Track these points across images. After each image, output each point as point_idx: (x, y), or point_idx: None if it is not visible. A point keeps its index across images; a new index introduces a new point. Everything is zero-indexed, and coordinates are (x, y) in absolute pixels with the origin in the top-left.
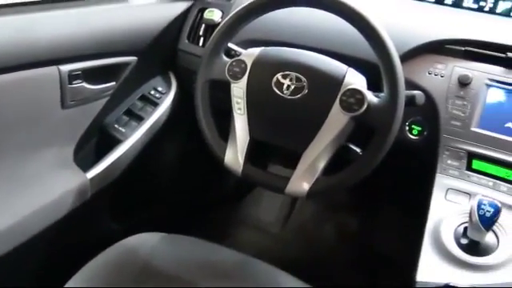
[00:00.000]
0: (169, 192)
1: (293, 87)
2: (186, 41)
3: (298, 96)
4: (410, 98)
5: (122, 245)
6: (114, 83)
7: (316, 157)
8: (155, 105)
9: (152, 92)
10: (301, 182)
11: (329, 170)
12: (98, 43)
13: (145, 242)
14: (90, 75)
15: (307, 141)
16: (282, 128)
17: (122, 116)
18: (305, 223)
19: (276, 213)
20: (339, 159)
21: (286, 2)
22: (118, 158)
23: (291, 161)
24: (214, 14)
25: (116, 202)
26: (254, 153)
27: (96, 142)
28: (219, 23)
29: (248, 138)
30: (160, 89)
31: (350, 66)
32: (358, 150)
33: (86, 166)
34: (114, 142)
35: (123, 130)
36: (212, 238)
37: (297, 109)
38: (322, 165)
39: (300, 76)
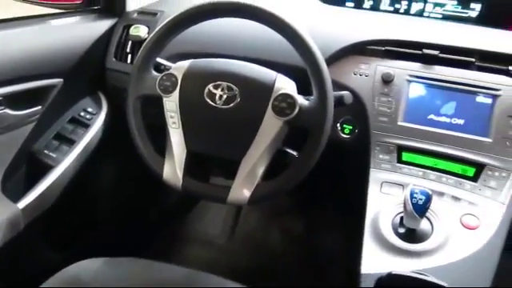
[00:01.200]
0: (110, 214)
1: (225, 97)
2: (114, 59)
3: (231, 105)
4: (338, 98)
5: (63, 274)
6: (40, 107)
7: (254, 163)
8: (86, 126)
9: (82, 113)
10: (241, 190)
11: (268, 175)
12: (18, 67)
13: (87, 269)
14: (13, 100)
15: (244, 148)
16: (218, 138)
17: (52, 141)
18: (251, 232)
19: (221, 224)
20: (278, 164)
21: (211, 14)
22: (51, 185)
23: (232, 170)
24: (139, 30)
25: (53, 231)
26: (194, 165)
27: (26, 169)
28: (146, 39)
29: (185, 151)
30: (90, 110)
31: (279, 72)
32: (295, 153)
33: (16, 196)
34: (45, 169)
35: (54, 156)
36: (159, 257)
37: (231, 118)
38: (260, 171)
39: (231, 85)
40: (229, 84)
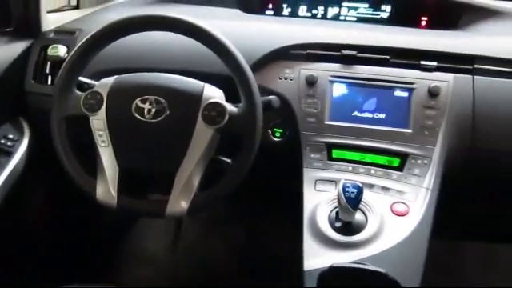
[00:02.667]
0: (48, 240)
1: (154, 110)
2: (32, 81)
3: (161, 118)
4: (266, 103)
5: None
6: None
7: (189, 174)
8: (9, 154)
9: (2, 141)
10: (179, 202)
11: (205, 184)
12: None
13: None
14: None
15: (178, 160)
16: (151, 153)
17: None
18: (194, 244)
19: (163, 239)
20: (213, 172)
21: (132, 29)
22: None
23: (168, 184)
24: (58, 50)
25: None
26: (128, 183)
27: None
28: (66, 58)
29: (117, 169)
30: (11, 136)
31: (206, 82)
32: (229, 160)
33: None
34: None
35: None
36: (102, 279)
37: (162, 131)
38: (196, 181)
39: (159, 98)
40: (156, 97)
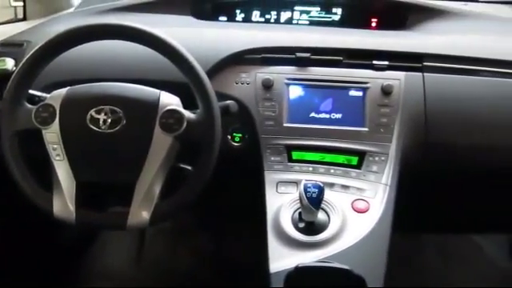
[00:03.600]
0: (5, 261)
1: (109, 121)
2: None
3: (117, 128)
4: (224, 108)
5: None
6: None
7: (150, 184)
8: None
9: None
10: (140, 213)
11: (166, 193)
12: None
13: None
14: None
15: (137, 170)
16: (108, 164)
17: None
18: (159, 256)
19: (126, 253)
20: (174, 181)
21: (83, 39)
22: None
23: (128, 195)
24: (5, 63)
25: None
26: (87, 196)
27: None
28: (14, 71)
29: (74, 183)
30: None
31: (161, 90)
32: (189, 167)
33: None
34: None
35: None
36: None
37: (119, 141)
38: (157, 190)
39: (114, 108)
40: (111, 107)
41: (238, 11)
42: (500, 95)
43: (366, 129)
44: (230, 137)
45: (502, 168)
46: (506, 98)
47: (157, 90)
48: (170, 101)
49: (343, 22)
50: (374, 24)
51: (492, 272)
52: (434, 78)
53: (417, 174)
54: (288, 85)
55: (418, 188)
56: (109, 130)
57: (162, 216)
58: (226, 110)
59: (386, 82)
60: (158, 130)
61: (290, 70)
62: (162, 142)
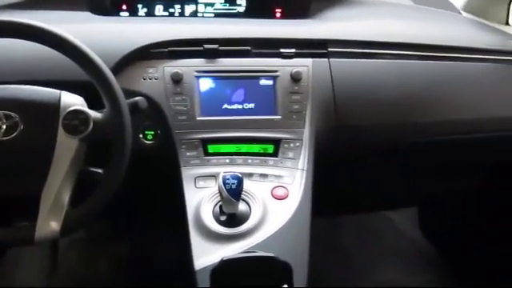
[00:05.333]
0: None
1: (4, 127)
2: None
3: (14, 134)
4: (132, 105)
5: None
6: None
7: (57, 192)
8: None
9: None
10: (48, 224)
11: (77, 200)
12: None
13: None
14: None
15: (41, 178)
16: (8, 175)
17: None
18: (74, 267)
19: (38, 267)
20: (85, 186)
21: None
22: None
23: (35, 206)
24: None
25: None
26: None
27: None
28: None
29: None
30: None
31: (62, 90)
32: (100, 170)
33: None
34: None
35: None
36: None
37: (18, 148)
38: (66, 198)
39: (9, 113)
40: (6, 112)
41: (139, 6)
42: (401, 76)
43: (279, 117)
44: (141, 135)
45: (408, 144)
46: (406, 79)
47: (57, 91)
48: (72, 101)
49: (248, 13)
50: (278, 14)
51: (403, 242)
52: (339, 63)
53: (331, 156)
54: (198, 77)
55: (333, 170)
56: (4, 138)
57: (73, 225)
58: (134, 108)
59: (294, 70)
60: (61, 133)
61: (198, 63)
62: (66, 146)
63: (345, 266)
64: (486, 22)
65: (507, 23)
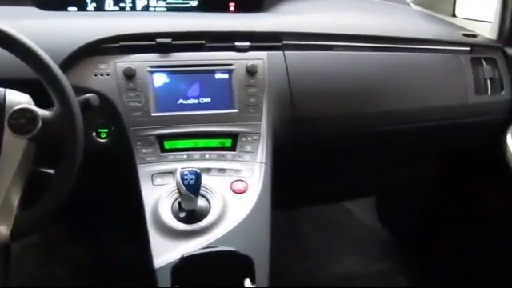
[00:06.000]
0: None
1: None
2: None
3: None
4: (83, 102)
5: None
6: None
7: (5, 195)
8: None
9: None
10: None
11: (27, 203)
12: None
13: None
14: None
15: None
16: None
17: None
18: (30, 273)
19: None
20: (36, 188)
21: None
22: None
23: None
24: None
25: None
26: None
27: None
28: None
29: None
30: None
31: (7, 88)
32: (51, 170)
33: None
34: None
35: None
36: None
37: None
38: (16, 201)
39: None
40: None
41: (88, 0)
42: (354, 67)
43: (235, 110)
44: (94, 133)
45: (362, 135)
46: (359, 70)
47: (1, 89)
48: (18, 99)
49: (201, 7)
50: (231, 8)
51: (362, 232)
52: (294, 56)
53: (289, 149)
54: (151, 73)
55: (292, 163)
56: None
57: (25, 229)
58: (86, 105)
59: (249, 63)
60: (7, 132)
61: (152, 58)
62: (14, 147)
63: (305, 258)
64: (435, 14)
65: (454, 15)
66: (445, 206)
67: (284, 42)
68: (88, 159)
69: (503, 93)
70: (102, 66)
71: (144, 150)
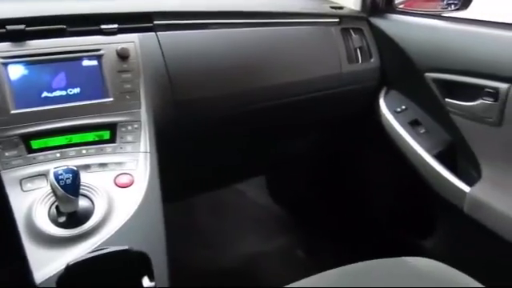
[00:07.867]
0: None
1: None
2: None
3: None
4: None
5: None
6: None
7: None
8: None
9: None
10: None
11: None
12: None
13: None
14: None
15: None
16: None
17: None
18: None
19: None
20: None
21: None
22: None
23: None
24: None
25: None
26: None
27: None
28: None
29: None
30: None
31: None
32: None
33: None
34: None
35: None
36: None
37: None
38: None
39: None
40: None
41: None
42: (232, 45)
43: (110, 99)
44: None
45: (245, 113)
46: (237, 47)
47: None
48: None
49: None
50: None
51: (256, 211)
52: (168, 36)
53: (174, 135)
54: (5, 65)
55: (179, 149)
56: None
57: None
58: None
59: (119, 46)
60: None
61: (3, 48)
62: None
63: (205, 245)
64: None
65: None
66: (330, 177)
67: (155, 22)
68: None
69: (372, 60)
70: None
71: (7, 153)
